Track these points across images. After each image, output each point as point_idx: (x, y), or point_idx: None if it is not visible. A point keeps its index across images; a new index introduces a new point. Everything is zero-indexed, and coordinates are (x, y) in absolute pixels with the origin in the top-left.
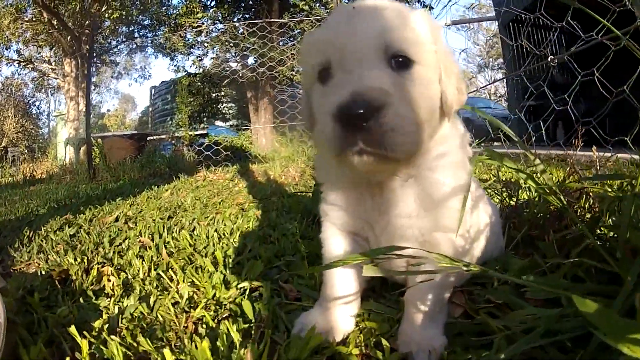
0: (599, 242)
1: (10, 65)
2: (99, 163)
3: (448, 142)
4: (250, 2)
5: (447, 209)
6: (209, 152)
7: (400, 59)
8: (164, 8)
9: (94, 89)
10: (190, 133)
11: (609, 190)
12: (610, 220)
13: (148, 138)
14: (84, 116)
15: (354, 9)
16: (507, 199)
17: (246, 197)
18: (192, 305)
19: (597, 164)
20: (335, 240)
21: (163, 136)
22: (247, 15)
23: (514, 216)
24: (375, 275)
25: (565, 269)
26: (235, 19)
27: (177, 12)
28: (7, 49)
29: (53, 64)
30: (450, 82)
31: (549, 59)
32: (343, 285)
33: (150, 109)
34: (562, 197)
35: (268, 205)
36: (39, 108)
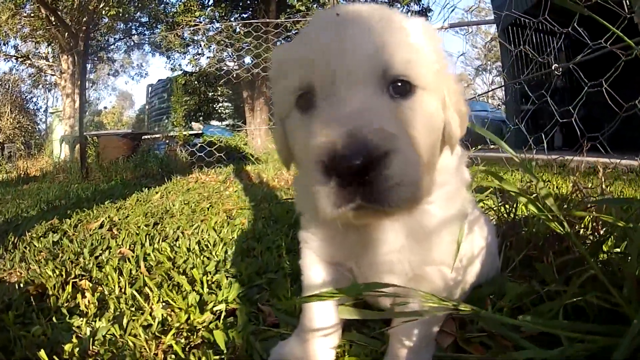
0: (600, 266)
1: (8, 61)
2: (93, 162)
3: (444, 170)
4: (248, 2)
5: (439, 242)
6: (201, 154)
7: (400, 84)
8: (162, 6)
9: (91, 86)
10: (184, 133)
11: (619, 220)
12: (613, 243)
13: (143, 137)
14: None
15: (340, 16)
16: (504, 214)
17: (235, 202)
18: (165, 329)
19: (603, 182)
20: (314, 269)
21: (157, 135)
22: (244, 15)
23: (511, 234)
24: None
25: (565, 298)
26: (232, 18)
27: (175, 10)
28: (5, 44)
29: (50, 60)
30: (453, 106)
31: (553, 67)
32: (322, 316)
33: (147, 107)
34: (565, 224)
35: (256, 213)
36: (36, 104)
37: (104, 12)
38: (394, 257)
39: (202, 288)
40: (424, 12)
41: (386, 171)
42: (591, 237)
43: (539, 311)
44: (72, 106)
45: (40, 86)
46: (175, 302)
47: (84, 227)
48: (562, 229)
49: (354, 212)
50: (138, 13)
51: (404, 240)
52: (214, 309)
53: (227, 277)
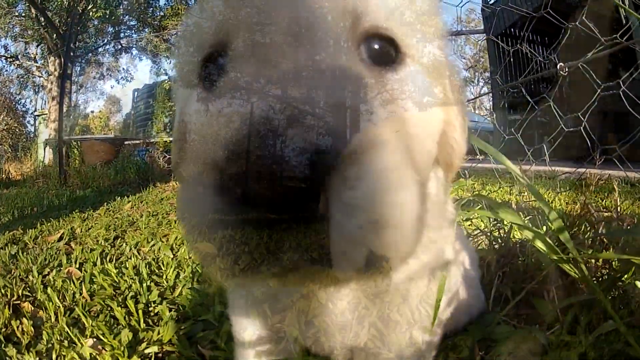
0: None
1: None
2: (76, 166)
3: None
4: None
5: (408, 300)
6: None
7: (379, 45)
8: (150, 9)
9: (79, 89)
10: (165, 140)
11: None
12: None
13: (125, 142)
14: (65, 117)
15: None
16: (497, 239)
17: None
18: None
19: (619, 204)
20: (245, 322)
21: (137, 141)
22: None
23: (504, 263)
24: None
25: (577, 349)
26: None
27: (162, 14)
28: None
29: (39, 62)
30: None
31: (558, 67)
32: None
33: (133, 112)
34: (584, 267)
35: None
36: (24, 106)
37: (91, 13)
38: (346, 319)
39: (139, 323)
40: None
41: (349, 192)
42: (602, 270)
43: None
44: (57, 109)
45: (29, 88)
46: (106, 339)
47: (44, 239)
48: (578, 273)
49: (281, 275)
50: (127, 16)
51: (360, 297)
52: (146, 351)
53: (170, 310)
